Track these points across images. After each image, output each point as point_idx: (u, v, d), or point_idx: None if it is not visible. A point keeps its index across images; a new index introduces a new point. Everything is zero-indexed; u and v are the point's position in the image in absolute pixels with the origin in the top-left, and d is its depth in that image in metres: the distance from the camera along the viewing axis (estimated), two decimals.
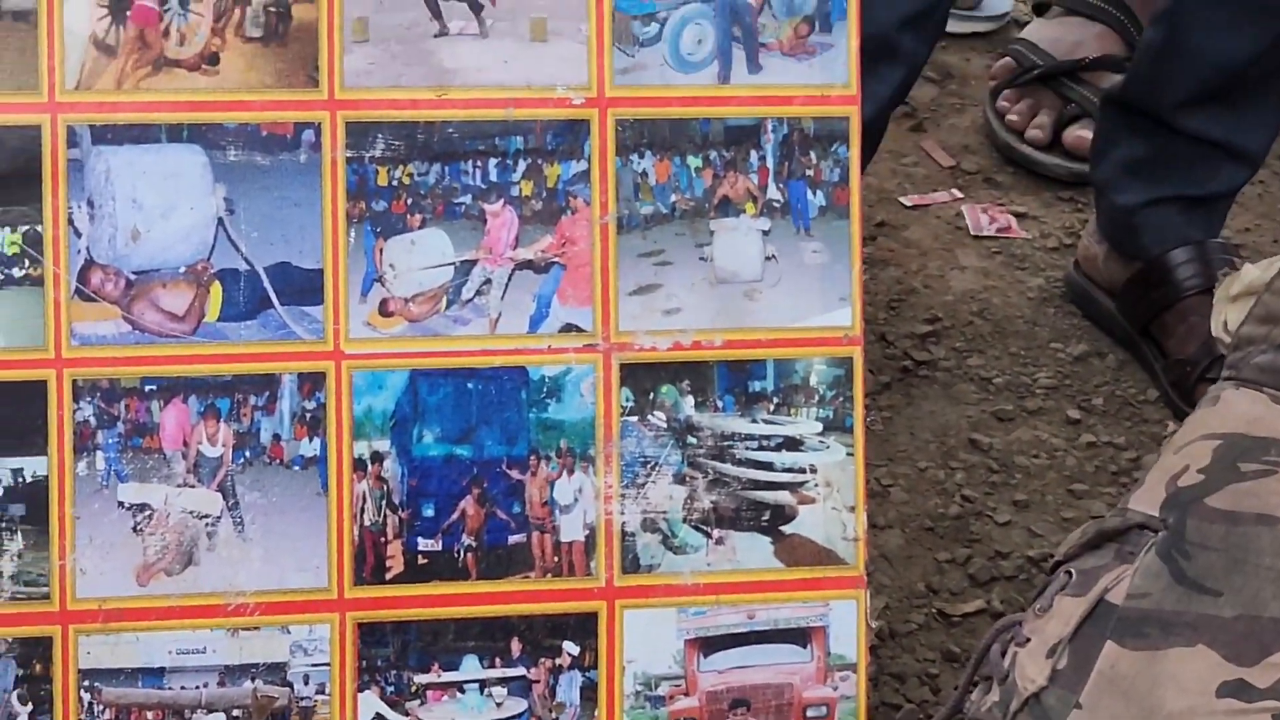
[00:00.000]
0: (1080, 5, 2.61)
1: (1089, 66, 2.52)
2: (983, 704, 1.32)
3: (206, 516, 1.26)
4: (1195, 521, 1.34)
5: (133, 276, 1.25)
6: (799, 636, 1.36)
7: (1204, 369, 1.99)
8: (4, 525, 1.25)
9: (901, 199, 2.41)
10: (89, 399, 1.24)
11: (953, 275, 2.29)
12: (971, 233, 2.35)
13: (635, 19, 1.32)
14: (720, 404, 1.33)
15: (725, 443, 1.33)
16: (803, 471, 1.34)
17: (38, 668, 1.26)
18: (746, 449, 1.33)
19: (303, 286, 1.29)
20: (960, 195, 2.44)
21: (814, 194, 1.35)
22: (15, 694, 1.26)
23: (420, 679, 1.30)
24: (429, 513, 1.31)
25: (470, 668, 1.30)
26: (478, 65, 1.31)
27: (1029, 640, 1.32)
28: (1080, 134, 2.41)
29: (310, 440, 1.28)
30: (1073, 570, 1.36)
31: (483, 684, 1.31)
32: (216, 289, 1.27)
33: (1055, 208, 2.41)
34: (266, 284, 1.28)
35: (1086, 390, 2.11)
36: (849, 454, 1.35)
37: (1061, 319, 2.22)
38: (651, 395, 1.33)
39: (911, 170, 2.47)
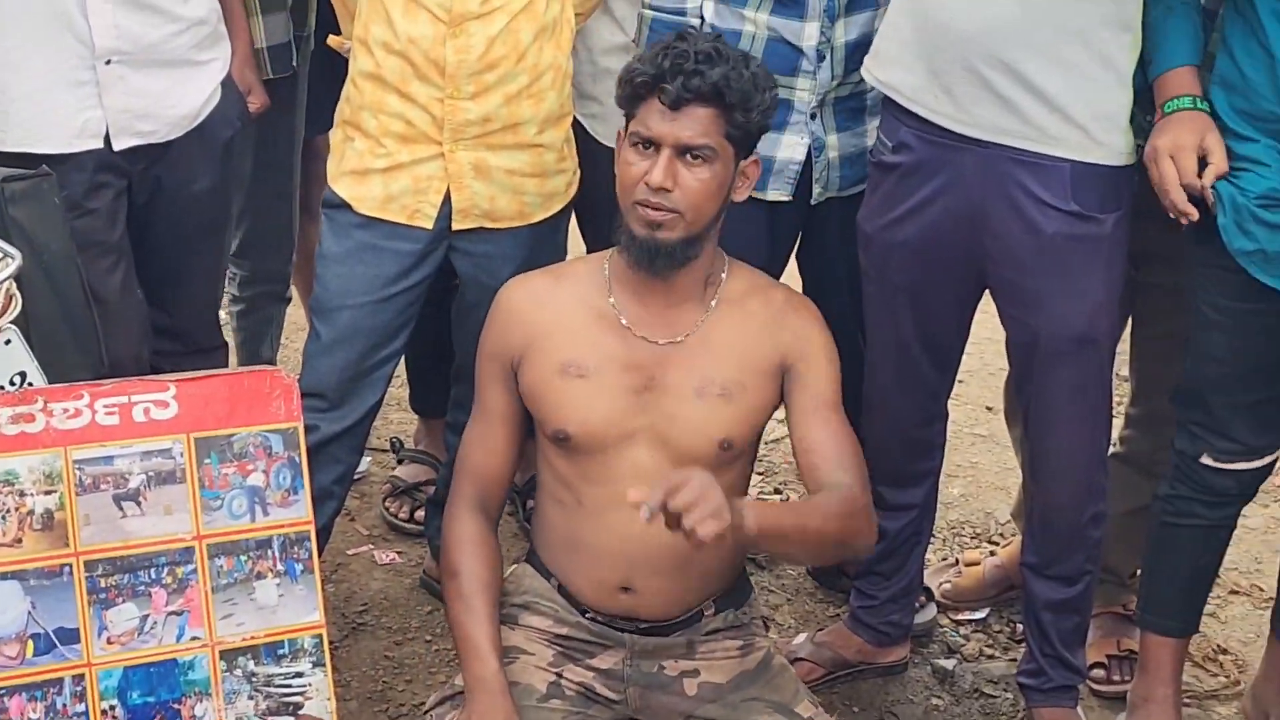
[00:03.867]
0: (418, 458, 3.53)
1: (422, 485, 3.47)
2: None
3: None
4: None
5: None
6: None
7: None
8: None
9: (347, 550, 3.35)
10: None
11: (372, 580, 3.25)
12: (379, 562, 3.30)
13: (211, 501, 2.39)
14: (265, 660, 2.39)
15: (270, 678, 2.40)
16: (307, 685, 2.42)
17: None
18: (281, 679, 2.41)
19: (70, 637, 2.30)
20: (374, 548, 3.39)
21: (297, 565, 2.42)
22: None
23: None
24: None
25: None
26: (140, 528, 2.35)
27: None
28: (419, 514, 3.39)
29: (80, 704, 2.29)
30: (433, 715, 2.41)
31: None
32: (30, 643, 2.27)
33: (415, 548, 3.37)
34: (54, 638, 2.29)
35: (434, 625, 3.10)
36: (324, 676, 2.43)
37: (423, 597, 3.18)
38: (237, 660, 2.38)
39: (349, 537, 3.39)
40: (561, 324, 2.38)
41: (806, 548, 2.37)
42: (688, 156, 2.26)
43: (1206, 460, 2.67)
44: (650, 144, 2.27)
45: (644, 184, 2.27)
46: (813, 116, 2.77)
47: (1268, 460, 2.70)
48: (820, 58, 2.74)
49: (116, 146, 2.68)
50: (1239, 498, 2.73)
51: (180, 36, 2.69)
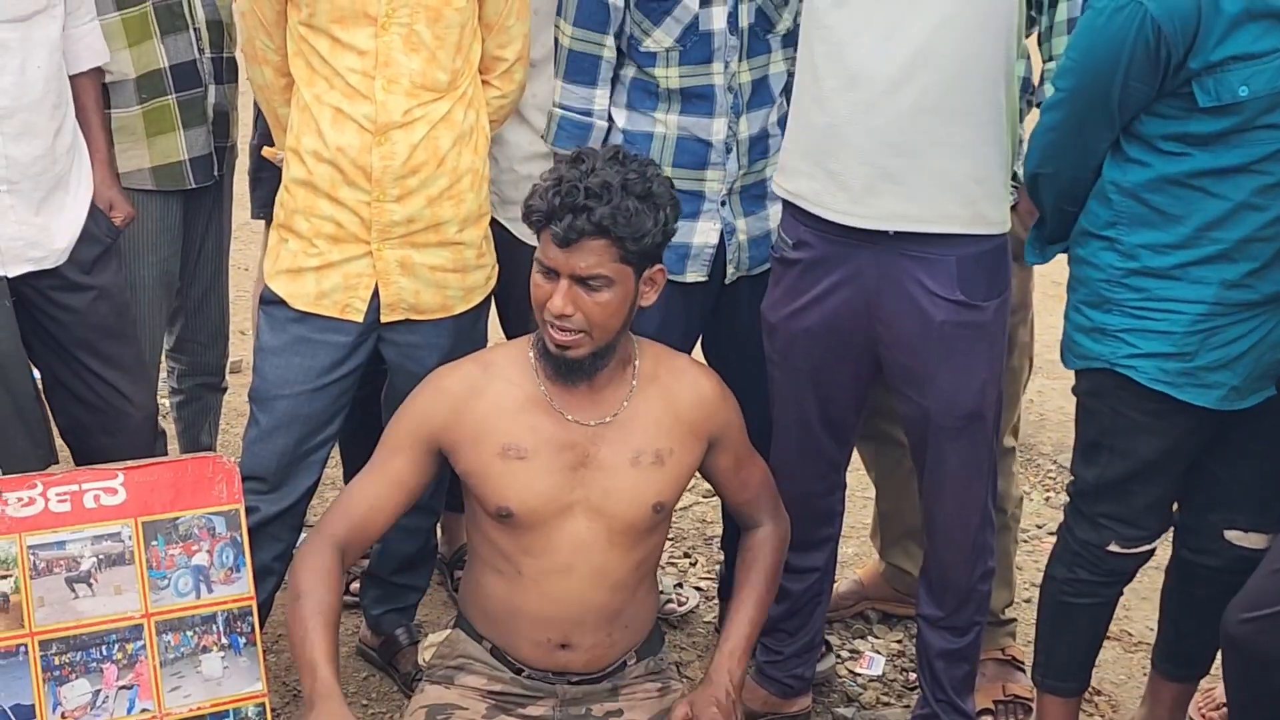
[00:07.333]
0: None
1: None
2: None
3: None
4: None
5: None
6: None
7: (415, 679, 2.85)
8: None
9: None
10: None
11: None
12: None
13: (158, 581, 2.40)
14: None
15: None
16: None
17: None
18: None
19: (26, 713, 2.29)
20: None
21: (240, 638, 2.43)
22: None
23: None
24: None
25: None
26: (92, 608, 2.35)
27: None
28: (354, 586, 3.23)
29: None
30: None
31: None
32: None
33: (350, 618, 3.19)
34: (11, 715, 2.28)
35: (369, 690, 3.04)
36: None
37: (359, 664, 3.15)
38: None
39: None
40: (499, 410, 2.39)
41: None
42: (586, 283, 2.29)
43: (1114, 548, 2.70)
44: (552, 271, 2.30)
45: (548, 307, 2.30)
46: (722, 204, 2.86)
47: (1161, 538, 2.75)
48: (728, 150, 2.82)
49: (10, 274, 2.65)
50: (1133, 573, 2.79)
51: (55, 164, 2.67)
